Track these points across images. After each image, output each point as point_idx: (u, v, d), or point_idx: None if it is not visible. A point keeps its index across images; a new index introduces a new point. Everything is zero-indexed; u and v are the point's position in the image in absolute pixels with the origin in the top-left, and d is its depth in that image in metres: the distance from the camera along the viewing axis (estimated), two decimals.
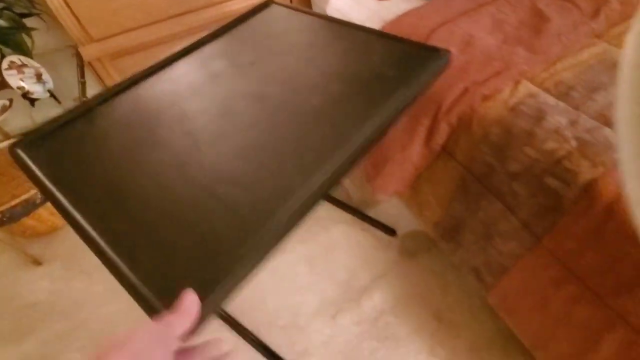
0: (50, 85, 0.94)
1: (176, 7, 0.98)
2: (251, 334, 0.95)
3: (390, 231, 1.13)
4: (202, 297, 0.29)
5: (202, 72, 0.58)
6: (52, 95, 0.97)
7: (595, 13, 0.77)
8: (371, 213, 1.18)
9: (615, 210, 0.51)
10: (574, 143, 0.57)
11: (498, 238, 0.67)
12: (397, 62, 0.55)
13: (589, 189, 0.53)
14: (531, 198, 0.59)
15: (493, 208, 0.66)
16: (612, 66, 0.68)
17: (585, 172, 0.54)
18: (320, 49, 0.60)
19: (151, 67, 0.58)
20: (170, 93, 0.54)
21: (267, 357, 0.92)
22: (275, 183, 0.40)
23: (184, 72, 0.58)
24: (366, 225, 1.16)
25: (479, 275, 0.76)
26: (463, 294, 0.99)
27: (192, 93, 0.54)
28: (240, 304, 1.01)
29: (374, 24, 0.86)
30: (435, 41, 0.73)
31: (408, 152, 0.74)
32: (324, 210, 1.20)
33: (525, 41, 0.72)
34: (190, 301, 0.27)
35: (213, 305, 0.30)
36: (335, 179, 0.41)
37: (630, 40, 0.22)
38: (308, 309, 1.00)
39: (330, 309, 1.00)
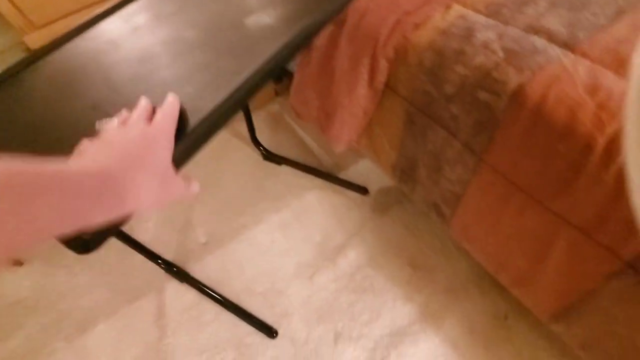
0: None
1: None
2: (231, 302, 0.96)
3: (362, 190, 1.13)
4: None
5: (124, 27, 0.58)
6: None
7: None
8: (342, 175, 1.18)
9: (542, 111, 0.51)
10: (501, 54, 0.56)
11: (447, 166, 0.67)
12: None
13: (517, 96, 0.53)
14: (467, 116, 0.59)
15: (438, 136, 0.66)
16: None
17: (513, 79, 0.54)
18: None
19: (74, 29, 0.59)
20: (93, 50, 0.56)
21: (248, 322, 0.93)
22: (189, 105, 0.42)
23: (106, 30, 0.59)
24: (338, 188, 1.16)
25: (438, 210, 0.76)
26: (435, 239, 0.99)
27: (113, 47, 0.55)
28: (218, 274, 1.02)
29: None
30: None
31: (354, 95, 0.74)
32: (296, 178, 1.20)
33: None
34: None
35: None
36: (248, 93, 0.43)
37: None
38: (285, 273, 1.01)
39: (307, 270, 1.00)
